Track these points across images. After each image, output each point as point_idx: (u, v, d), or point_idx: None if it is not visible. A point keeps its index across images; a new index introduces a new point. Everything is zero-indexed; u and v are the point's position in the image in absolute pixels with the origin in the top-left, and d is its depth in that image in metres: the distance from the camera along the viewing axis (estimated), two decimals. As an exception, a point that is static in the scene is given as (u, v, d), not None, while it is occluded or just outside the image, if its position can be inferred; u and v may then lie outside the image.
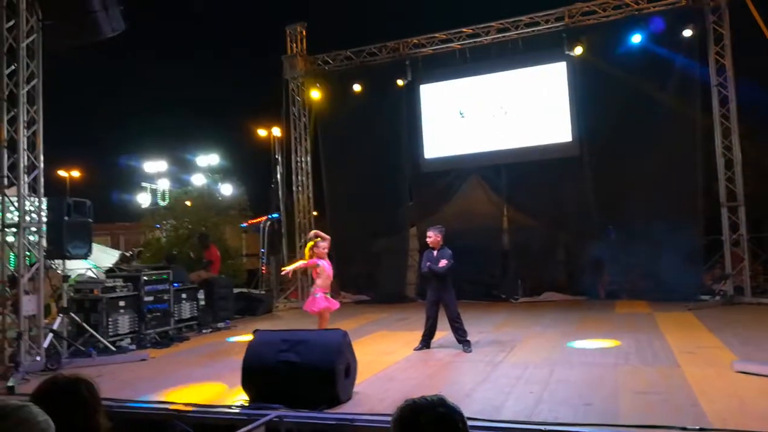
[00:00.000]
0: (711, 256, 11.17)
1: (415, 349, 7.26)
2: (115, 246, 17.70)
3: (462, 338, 7.13)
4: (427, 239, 7.51)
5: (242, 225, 16.17)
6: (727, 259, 10.63)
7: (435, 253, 7.35)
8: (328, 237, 7.47)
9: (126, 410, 5.17)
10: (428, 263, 7.34)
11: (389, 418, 4.70)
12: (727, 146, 10.68)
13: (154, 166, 16.78)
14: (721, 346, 6.62)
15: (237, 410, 4.97)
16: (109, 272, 10.20)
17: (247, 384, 5.23)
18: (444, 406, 1.59)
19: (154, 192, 15.26)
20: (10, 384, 6.27)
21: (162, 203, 14.59)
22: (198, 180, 15.91)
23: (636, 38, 11.06)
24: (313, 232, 7.91)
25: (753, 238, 10.81)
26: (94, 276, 10.52)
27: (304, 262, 7.56)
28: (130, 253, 13.88)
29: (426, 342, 7.32)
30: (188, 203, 15.77)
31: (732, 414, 4.20)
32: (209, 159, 16.92)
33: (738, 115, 10.54)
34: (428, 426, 1.54)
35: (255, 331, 5.67)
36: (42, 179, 7.80)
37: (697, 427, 3.90)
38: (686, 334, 7.50)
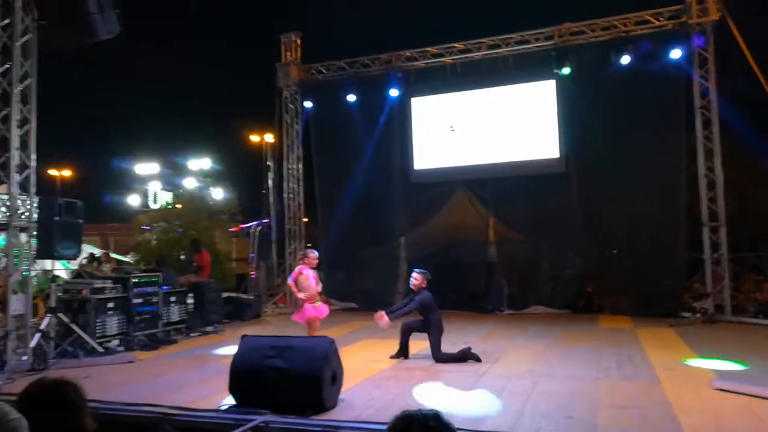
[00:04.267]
0: (692, 274, 11.40)
1: (390, 357, 7.41)
2: (104, 247, 17.61)
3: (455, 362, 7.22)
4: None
5: (232, 230, 16.19)
6: (708, 278, 10.83)
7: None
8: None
9: (113, 412, 5.19)
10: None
11: (374, 426, 4.80)
12: (710, 167, 10.92)
13: (146, 168, 16.77)
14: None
15: (224, 414, 5.02)
16: (74, 274, 10.19)
17: (234, 388, 5.29)
18: (436, 420, 1.64)
19: (145, 194, 15.24)
20: (-5, 383, 6.27)
21: (154, 206, 14.57)
22: (189, 183, 15.93)
23: (624, 59, 11.28)
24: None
25: (733, 258, 11.04)
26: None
27: (291, 280, 7.84)
28: (98, 254, 13.82)
29: (403, 353, 7.46)
30: (179, 206, 15.76)
31: (709, 430, 4.31)
32: (201, 163, 16.94)
33: (720, 137, 10.79)
34: None
35: (243, 337, 5.72)
36: (34, 178, 7.84)
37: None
38: (667, 350, 7.65)
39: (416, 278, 7.56)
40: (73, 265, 11.40)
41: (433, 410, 1.68)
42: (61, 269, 11.60)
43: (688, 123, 11.05)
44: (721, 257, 10.73)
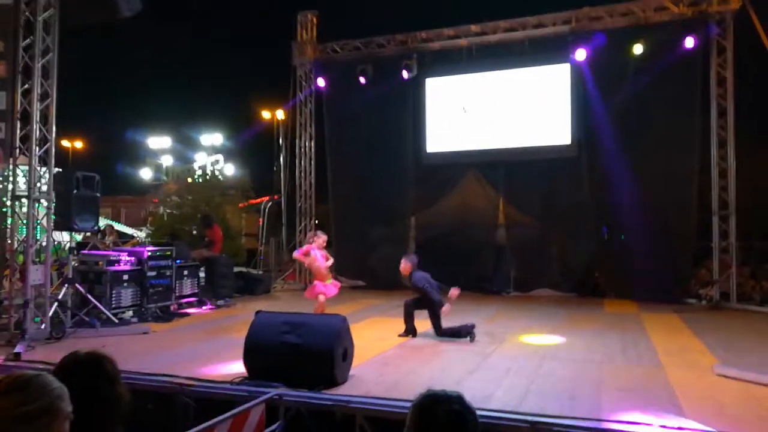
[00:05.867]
0: (700, 261, 11.45)
1: (399, 335, 7.60)
2: (116, 219, 17.84)
3: (455, 338, 7.35)
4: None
5: (241, 206, 16.36)
6: (715, 266, 10.90)
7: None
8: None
9: (131, 381, 5.37)
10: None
11: (384, 401, 4.96)
12: (723, 156, 10.91)
13: (159, 142, 16.86)
14: (703, 350, 6.84)
15: (238, 387, 5.19)
16: (80, 245, 10.34)
17: (248, 361, 5.45)
18: (460, 403, 1.71)
19: (157, 167, 15.40)
20: (16, 350, 6.48)
21: (165, 179, 14.74)
22: (201, 158, 16.07)
23: (640, 45, 11.19)
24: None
25: (741, 246, 11.08)
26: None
27: (298, 254, 8.04)
28: (102, 227, 14.00)
29: (410, 331, 7.63)
30: (189, 180, 15.94)
31: (710, 416, 4.40)
32: (213, 138, 17.02)
33: (735, 127, 10.75)
34: (442, 418, 1.67)
35: (258, 312, 5.88)
36: (53, 152, 7.97)
37: (676, 426, 4.14)
38: (671, 336, 7.75)
39: (402, 264, 7.69)
40: (79, 237, 11.59)
41: (457, 393, 1.73)
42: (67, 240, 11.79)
43: (703, 111, 11.01)
44: (729, 246, 10.78)
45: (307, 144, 14.70)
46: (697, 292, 11.15)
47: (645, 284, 11.15)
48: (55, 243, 8.77)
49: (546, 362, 6.20)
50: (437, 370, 6.08)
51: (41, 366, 5.64)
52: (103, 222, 15.53)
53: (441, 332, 7.38)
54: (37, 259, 7.65)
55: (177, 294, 9.92)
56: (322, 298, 7.99)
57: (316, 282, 8.09)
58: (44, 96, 7.79)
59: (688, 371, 5.80)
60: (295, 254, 8.27)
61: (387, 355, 6.64)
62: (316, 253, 8.00)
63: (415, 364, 6.26)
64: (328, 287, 8.06)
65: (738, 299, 10.60)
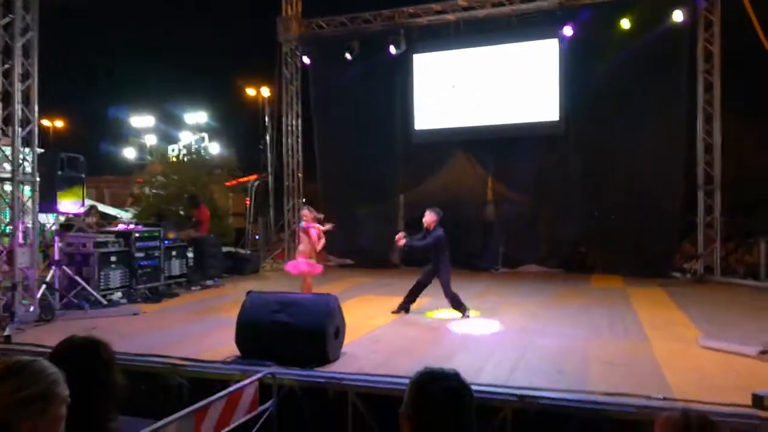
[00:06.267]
0: (685, 235, 11.61)
1: (392, 312, 7.64)
2: (99, 199, 17.62)
3: (455, 308, 7.47)
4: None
5: (228, 185, 16.23)
6: (699, 240, 11.06)
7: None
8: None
9: (124, 362, 5.38)
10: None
11: (376, 378, 5.01)
12: (708, 131, 10.99)
13: (142, 120, 16.60)
14: (688, 323, 6.99)
15: (231, 365, 5.23)
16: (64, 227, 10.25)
17: (241, 341, 5.49)
18: (456, 380, 1.74)
19: (141, 147, 15.22)
20: (6, 333, 6.46)
21: (149, 158, 14.57)
22: (186, 137, 15.88)
23: (628, 20, 11.14)
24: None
25: (726, 221, 11.24)
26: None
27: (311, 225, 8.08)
28: (86, 207, 13.81)
29: (404, 308, 7.69)
30: (174, 159, 15.77)
31: (694, 386, 4.52)
32: (197, 116, 16.80)
33: (721, 102, 10.81)
34: (439, 395, 1.70)
35: (249, 293, 5.89)
36: (36, 132, 7.85)
37: (661, 396, 4.24)
38: (656, 309, 7.89)
39: (428, 215, 7.62)
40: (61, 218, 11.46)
41: (453, 370, 1.77)
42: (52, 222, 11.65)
43: (689, 86, 11.04)
44: (714, 220, 10.93)
45: (293, 122, 14.56)
46: (681, 266, 11.34)
47: (631, 259, 11.29)
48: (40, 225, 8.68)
49: (534, 337, 6.29)
50: (428, 346, 6.16)
51: (33, 348, 5.64)
52: (86, 203, 15.33)
53: (449, 295, 7.44)
54: (23, 242, 7.57)
55: (166, 275, 9.89)
56: (309, 279, 8.03)
57: (299, 258, 8.09)
58: (25, 76, 7.63)
59: (673, 344, 5.93)
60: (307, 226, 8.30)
61: (378, 332, 6.71)
62: (312, 230, 8.05)
63: (405, 341, 6.33)
64: (312, 265, 8.07)
65: (722, 273, 10.78)
